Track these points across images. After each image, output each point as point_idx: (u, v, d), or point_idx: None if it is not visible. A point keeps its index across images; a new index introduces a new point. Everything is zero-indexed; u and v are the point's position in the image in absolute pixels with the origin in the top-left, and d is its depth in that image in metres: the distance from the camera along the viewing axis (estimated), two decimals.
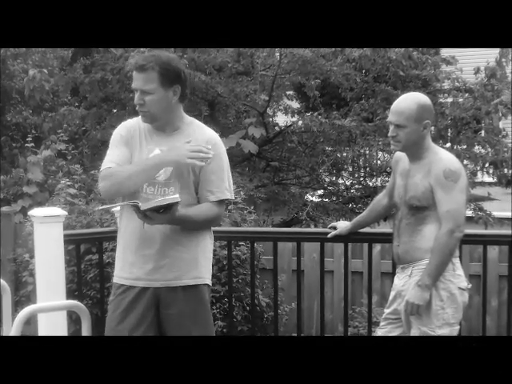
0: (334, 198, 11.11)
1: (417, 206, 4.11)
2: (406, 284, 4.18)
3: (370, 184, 11.25)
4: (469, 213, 9.64)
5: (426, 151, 4.15)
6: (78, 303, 3.97)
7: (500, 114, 9.70)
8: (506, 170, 9.90)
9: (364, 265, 6.97)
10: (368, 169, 11.64)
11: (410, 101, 4.14)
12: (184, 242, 3.80)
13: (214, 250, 6.18)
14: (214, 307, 6.13)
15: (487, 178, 10.48)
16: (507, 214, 11.39)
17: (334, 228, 4.78)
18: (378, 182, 11.17)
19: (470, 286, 4.20)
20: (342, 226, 4.76)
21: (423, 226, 4.12)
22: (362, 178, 11.59)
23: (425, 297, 4.01)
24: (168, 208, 3.56)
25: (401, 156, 4.32)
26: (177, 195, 3.62)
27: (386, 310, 4.38)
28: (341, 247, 5.55)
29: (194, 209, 3.78)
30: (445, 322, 4.07)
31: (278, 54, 10.35)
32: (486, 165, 9.84)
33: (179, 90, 3.80)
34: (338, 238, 4.80)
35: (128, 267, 3.85)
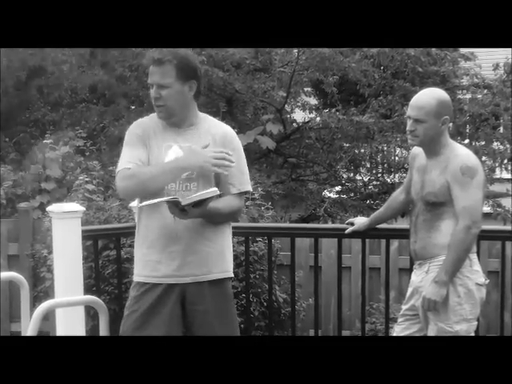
0: (352, 195, 11.12)
1: (433, 202, 4.09)
2: (423, 280, 4.15)
3: (388, 180, 11.25)
4: (487, 209, 9.60)
5: (444, 147, 4.12)
6: (96, 298, 3.97)
7: None
8: None
9: (382, 261, 6.97)
10: (386, 165, 11.64)
11: (429, 96, 4.12)
12: (211, 237, 3.79)
13: (233, 246, 6.21)
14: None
15: (506, 175, 10.44)
16: None
17: (352, 224, 4.77)
18: (396, 178, 11.16)
19: (487, 281, 4.17)
20: (360, 221, 4.75)
21: (440, 222, 4.10)
22: (379, 175, 11.59)
23: (442, 293, 4.00)
24: (201, 201, 3.58)
25: (418, 152, 4.30)
26: (215, 188, 3.63)
27: (404, 307, 4.36)
28: (358, 243, 5.54)
29: (220, 201, 3.77)
30: (462, 318, 4.05)
31: (295, 51, 10.36)
32: (505, 161, 9.79)
33: (195, 86, 3.79)
34: (355, 234, 4.78)
35: (153, 265, 3.79)
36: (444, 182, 4.04)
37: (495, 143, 10.01)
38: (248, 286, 5.30)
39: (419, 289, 4.17)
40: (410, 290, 4.32)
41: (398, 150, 11.14)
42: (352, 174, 11.64)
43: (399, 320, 4.39)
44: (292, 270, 5.15)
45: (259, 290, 6.48)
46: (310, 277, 7.44)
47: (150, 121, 3.88)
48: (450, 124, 4.25)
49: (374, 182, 11.43)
